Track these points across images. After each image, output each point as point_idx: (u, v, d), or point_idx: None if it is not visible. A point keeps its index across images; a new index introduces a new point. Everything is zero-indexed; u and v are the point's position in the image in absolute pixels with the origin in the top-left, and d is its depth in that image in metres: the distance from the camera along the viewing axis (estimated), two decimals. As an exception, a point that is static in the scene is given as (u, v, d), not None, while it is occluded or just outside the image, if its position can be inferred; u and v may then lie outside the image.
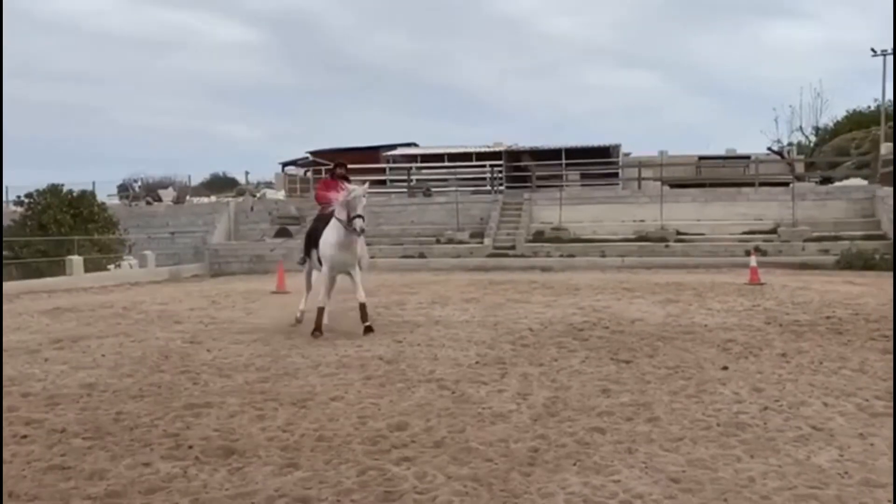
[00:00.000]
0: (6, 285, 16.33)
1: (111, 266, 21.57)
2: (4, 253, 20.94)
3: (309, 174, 34.64)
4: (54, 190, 22.17)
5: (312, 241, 9.74)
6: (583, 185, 29.46)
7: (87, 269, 18.80)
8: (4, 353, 8.11)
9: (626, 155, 34.09)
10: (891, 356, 7.08)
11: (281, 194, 32.38)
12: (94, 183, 27.93)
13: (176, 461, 4.34)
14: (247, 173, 35.51)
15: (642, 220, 23.90)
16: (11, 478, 4.07)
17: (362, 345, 8.27)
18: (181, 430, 4.97)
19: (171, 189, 36.52)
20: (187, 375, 6.82)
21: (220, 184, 43.46)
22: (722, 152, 35.04)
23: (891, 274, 16.95)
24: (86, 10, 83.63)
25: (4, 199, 31.95)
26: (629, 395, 5.78)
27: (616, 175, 30.86)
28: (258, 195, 32.35)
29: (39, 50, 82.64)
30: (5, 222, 22.73)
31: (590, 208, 24.93)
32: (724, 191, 25.08)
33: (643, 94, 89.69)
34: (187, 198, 33.29)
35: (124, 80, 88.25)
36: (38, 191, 22.23)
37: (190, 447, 4.59)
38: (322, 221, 9.56)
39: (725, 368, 6.70)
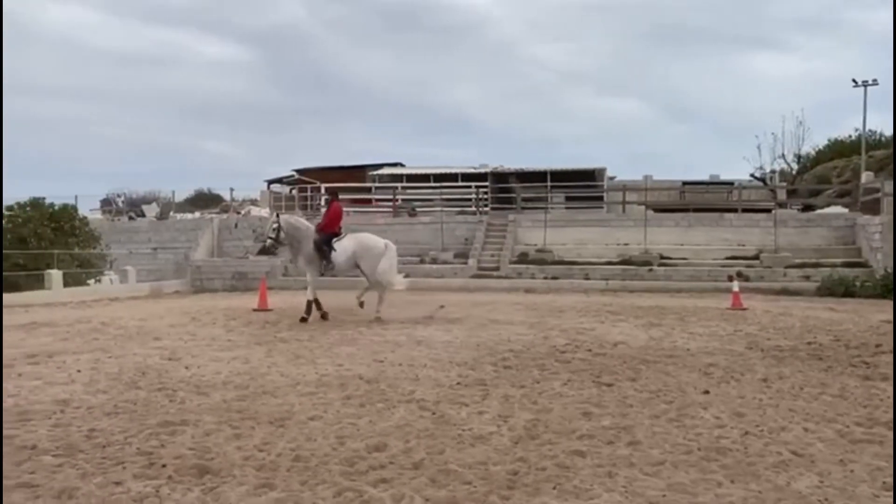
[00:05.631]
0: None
1: (91, 281, 21.34)
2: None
3: (294, 192, 34.57)
4: (35, 203, 21.95)
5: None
6: (567, 208, 29.60)
7: (66, 284, 18.59)
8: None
9: (612, 179, 34.35)
10: (870, 383, 7.11)
11: (265, 212, 32.26)
12: (76, 197, 27.70)
13: (148, 480, 4.24)
14: (231, 190, 35.35)
15: (626, 244, 24.02)
16: (-23, 495, 3.96)
17: (343, 364, 8.19)
18: (155, 449, 4.87)
19: (154, 204, 36.32)
20: (164, 392, 6.71)
21: (204, 200, 43.31)
22: (705, 178, 35.43)
23: (871, 302, 17.11)
24: (77, 25, 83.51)
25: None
26: (610, 418, 5.75)
27: (601, 198, 31.05)
28: (242, 212, 32.22)
29: (28, 64, 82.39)
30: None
31: (574, 231, 25.02)
32: (708, 216, 25.30)
33: (629, 119, 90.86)
34: (171, 213, 33.09)
35: (112, 95, 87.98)
36: (18, 203, 21.99)
37: (163, 466, 4.49)
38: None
39: (707, 393, 6.69)
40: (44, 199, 22.36)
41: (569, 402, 6.34)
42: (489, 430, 5.38)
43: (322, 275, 13.29)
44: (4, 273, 19.21)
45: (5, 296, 16.76)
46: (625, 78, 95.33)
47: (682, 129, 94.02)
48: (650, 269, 22.23)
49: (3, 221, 22.28)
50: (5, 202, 22.87)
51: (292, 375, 7.52)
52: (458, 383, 7.14)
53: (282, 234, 12.88)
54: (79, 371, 7.76)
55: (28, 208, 21.68)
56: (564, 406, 6.16)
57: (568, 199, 30.71)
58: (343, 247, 13.06)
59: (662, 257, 23.00)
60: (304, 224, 13.39)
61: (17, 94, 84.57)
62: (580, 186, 30.90)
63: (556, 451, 4.83)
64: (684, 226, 24.71)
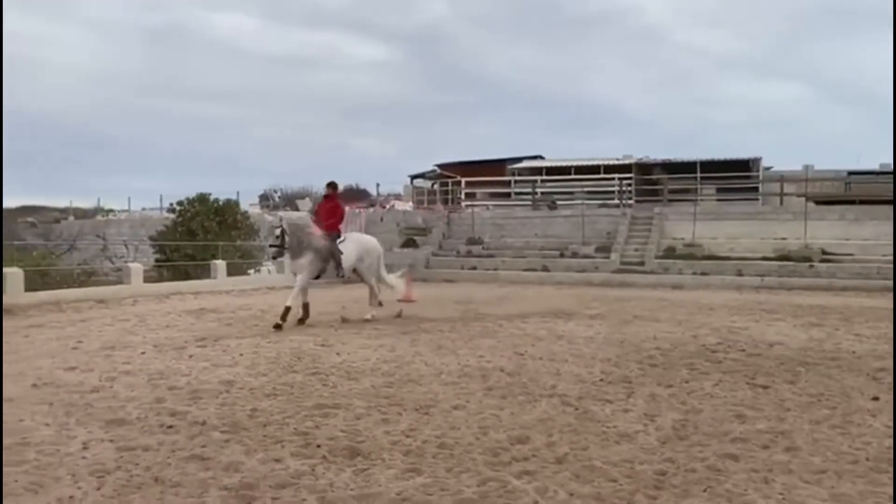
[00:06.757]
0: (160, 286, 17.67)
1: (251, 271, 22.84)
2: (157, 256, 22.70)
3: (436, 186, 35.25)
4: (202, 198, 23.83)
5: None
6: (719, 200, 28.17)
7: (229, 273, 19.99)
8: (155, 348, 8.79)
9: (767, 169, 32.29)
10: None
11: (409, 206, 33.13)
12: (237, 192, 29.80)
13: (305, 459, 4.50)
14: (377, 185, 36.71)
15: (784, 238, 22.55)
16: (157, 464, 4.37)
17: (484, 356, 8.29)
18: (310, 430, 5.16)
19: (307, 199, 38.27)
20: (318, 377, 7.09)
21: (352, 195, 45.08)
22: (875, 167, 32.49)
23: None
24: (238, 31, 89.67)
25: (159, 206, 34.65)
26: (766, 421, 5.45)
27: (756, 190, 29.30)
28: (387, 206, 33.28)
29: (196, 70, 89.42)
30: (158, 228, 24.62)
31: (726, 224, 23.82)
32: (878, 209, 23.20)
33: (787, 105, 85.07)
34: (322, 208, 34.67)
35: (267, 96, 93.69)
36: (188, 199, 23.97)
37: (318, 446, 4.76)
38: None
39: (876, 399, 6.17)
40: (209, 194, 24.23)
41: (720, 403, 6.07)
42: (635, 428, 5.26)
43: (317, 277, 11.90)
44: (177, 262, 21.01)
45: (178, 283, 18.31)
46: (784, 61, 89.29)
47: (849, 114, 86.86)
48: (811, 266, 20.75)
49: (175, 215, 24.37)
50: (176, 197, 25.04)
51: (435, 365, 7.70)
52: (602, 380, 7.02)
53: (286, 240, 11.25)
54: (241, 355, 8.35)
55: (196, 203, 23.56)
56: (715, 407, 5.91)
57: (719, 190, 29.23)
58: (348, 250, 12.03)
59: (825, 253, 21.40)
60: (308, 222, 12.08)
61: (186, 99, 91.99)
62: (733, 177, 29.29)
63: (706, 452, 4.65)
64: (850, 219, 22.84)
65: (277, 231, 11.33)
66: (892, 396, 6.29)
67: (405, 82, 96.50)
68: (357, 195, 40.75)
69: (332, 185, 12.37)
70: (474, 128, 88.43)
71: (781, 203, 26.42)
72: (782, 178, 28.60)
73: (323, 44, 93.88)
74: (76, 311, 13.23)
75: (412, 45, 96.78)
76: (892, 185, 28.02)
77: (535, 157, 37.21)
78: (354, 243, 12.33)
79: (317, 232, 11.76)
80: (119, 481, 4.07)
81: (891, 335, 10.18)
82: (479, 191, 33.61)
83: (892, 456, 4.59)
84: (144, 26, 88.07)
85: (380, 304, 12.72)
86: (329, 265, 11.72)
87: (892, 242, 21.36)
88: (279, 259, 12.13)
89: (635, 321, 11.84)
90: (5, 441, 4.80)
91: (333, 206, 12.22)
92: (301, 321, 11.27)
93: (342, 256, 11.82)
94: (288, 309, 11.03)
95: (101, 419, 5.39)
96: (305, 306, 11.60)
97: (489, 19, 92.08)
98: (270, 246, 11.59)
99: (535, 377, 7.09)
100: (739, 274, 21.02)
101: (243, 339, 9.57)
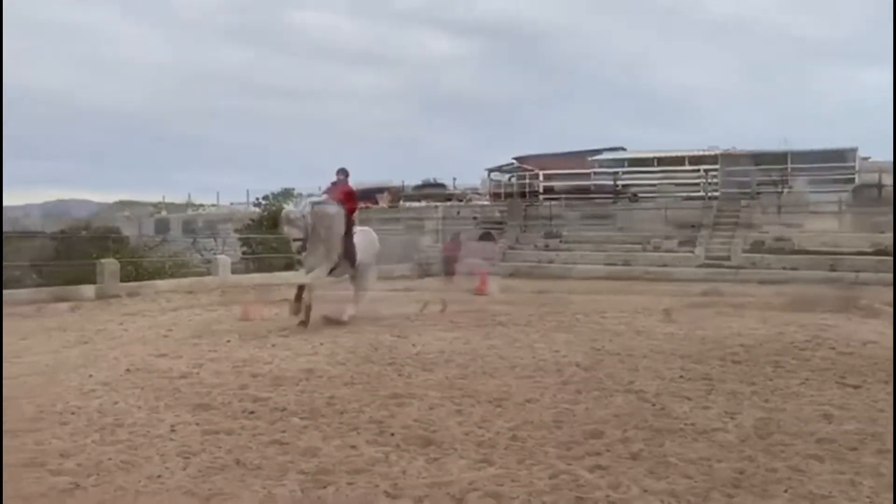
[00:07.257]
0: (245, 277, 18.30)
1: (332, 263, 23.34)
2: (243, 249, 23.51)
3: (514, 180, 35.06)
4: (286, 193, 24.57)
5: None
6: (811, 192, 26.96)
7: (312, 266, 20.47)
8: (239, 337, 9.12)
9: (865, 159, 30.64)
10: None
11: (486, 199, 33.08)
12: (319, 187, 30.42)
13: (379, 446, 4.60)
14: (454, 179, 36.83)
15: (882, 232, 21.36)
16: (239, 447, 4.56)
17: (559, 350, 8.22)
18: (385, 418, 5.25)
19: (386, 193, 38.80)
20: (393, 367, 7.20)
21: (429, 189, 45.35)
22: None
23: None
24: (320, 27, 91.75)
25: (246, 201, 35.83)
26: (855, 422, 5.20)
27: (851, 181, 27.87)
28: (464, 200, 33.35)
29: (276, 66, 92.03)
30: (245, 222, 25.51)
31: (818, 218, 22.78)
32: None
33: (886, 92, 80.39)
34: (400, 202, 35.15)
35: (345, 94, 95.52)
36: (272, 193, 24.77)
37: (392, 434, 4.85)
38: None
39: (980, 403, 5.79)
40: (293, 189, 24.98)
41: (806, 402, 5.83)
42: (714, 426, 5.12)
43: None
44: (262, 255, 21.69)
45: (264, 275, 18.92)
46: (882, 46, 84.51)
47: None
48: (911, 261, 19.59)
49: (261, 209, 25.18)
50: (262, 192, 25.91)
51: (510, 358, 7.69)
52: (681, 376, 6.85)
53: (309, 231, 10.34)
54: (321, 344, 8.57)
55: (280, 198, 24.33)
56: (800, 406, 5.68)
57: (811, 182, 27.96)
58: (361, 242, 11.18)
59: (927, 247, 20.16)
60: (335, 209, 10.64)
61: (268, 97, 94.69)
62: (826, 168, 27.93)
63: (788, 452, 4.49)
64: (956, 211, 21.42)
65: (300, 225, 10.33)
66: None
67: (482, 75, 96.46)
68: (434, 189, 41.04)
69: (343, 171, 11.27)
70: (553, 120, 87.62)
71: (880, 195, 25.02)
72: (880, 170, 27.08)
73: (398, 39, 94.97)
74: (167, 300, 13.87)
75: (489, 38, 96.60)
76: None
77: (615, 149, 36.48)
78: (362, 236, 11.46)
79: (340, 217, 10.58)
80: (203, 463, 4.26)
81: None
82: (557, 184, 33.26)
83: None
84: (232, 25, 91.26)
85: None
86: (342, 260, 10.77)
87: None
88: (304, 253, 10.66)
89: (718, 317, 11.48)
90: (102, 421, 5.11)
91: (348, 193, 11.19)
92: (303, 321, 10.06)
93: (356, 249, 10.96)
94: (308, 306, 10.18)
95: (188, 403, 5.65)
96: (300, 302, 10.29)
97: (568, 9, 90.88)
98: (294, 239, 10.52)
99: (611, 372, 6.99)
100: (832, 269, 20.05)
101: (323, 330, 9.81)
